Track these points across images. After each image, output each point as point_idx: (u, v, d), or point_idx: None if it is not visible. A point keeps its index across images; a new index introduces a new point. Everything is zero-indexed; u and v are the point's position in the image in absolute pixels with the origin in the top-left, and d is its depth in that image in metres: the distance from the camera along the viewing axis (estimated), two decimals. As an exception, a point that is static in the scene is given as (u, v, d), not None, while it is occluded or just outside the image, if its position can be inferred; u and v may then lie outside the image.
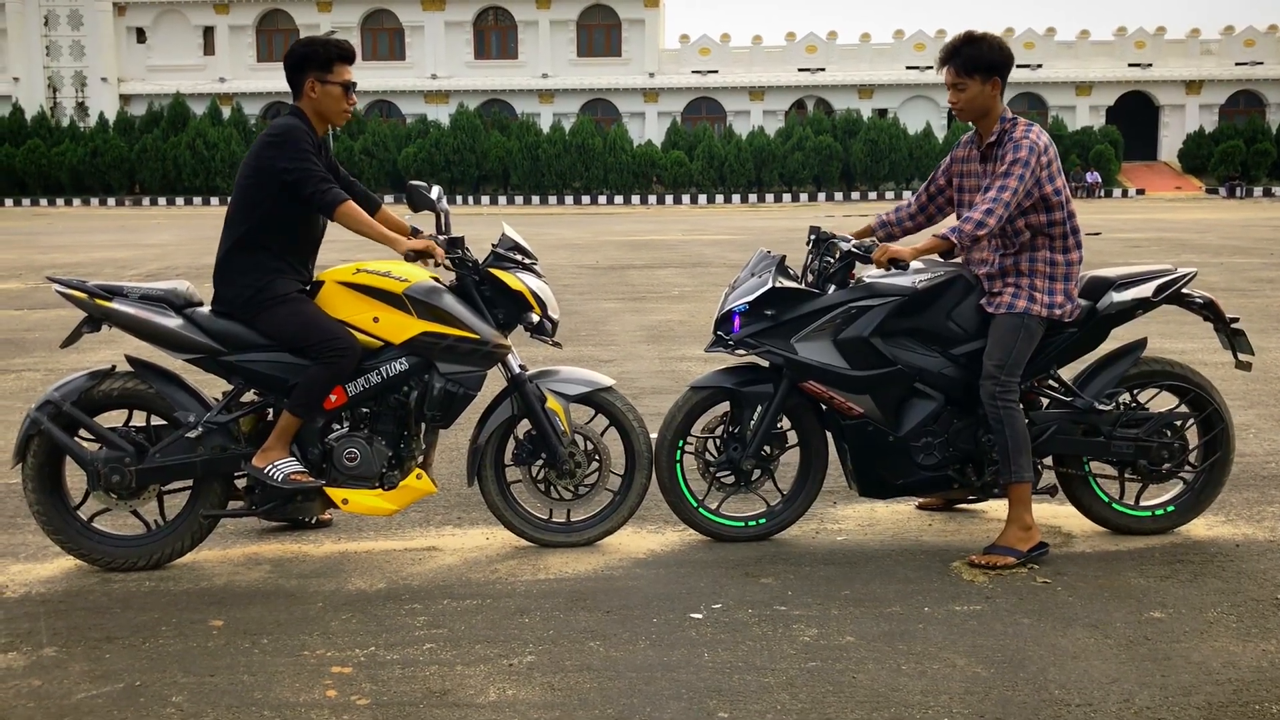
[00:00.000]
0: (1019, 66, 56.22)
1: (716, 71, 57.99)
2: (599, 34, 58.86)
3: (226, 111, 54.98)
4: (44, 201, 50.13)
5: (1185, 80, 56.74)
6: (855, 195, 50.82)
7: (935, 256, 4.37)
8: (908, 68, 57.48)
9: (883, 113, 56.05)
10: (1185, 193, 51.39)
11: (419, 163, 49.38)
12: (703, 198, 50.47)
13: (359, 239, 4.44)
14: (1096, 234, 24.18)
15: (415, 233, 4.54)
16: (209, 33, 58.85)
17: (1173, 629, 3.75)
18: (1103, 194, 50.04)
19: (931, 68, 56.35)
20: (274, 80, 58.18)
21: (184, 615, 3.94)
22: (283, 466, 4.22)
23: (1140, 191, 51.41)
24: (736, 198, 50.59)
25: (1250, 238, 22.97)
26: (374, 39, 58.62)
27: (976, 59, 4.36)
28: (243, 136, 52.05)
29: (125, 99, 57.97)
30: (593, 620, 3.85)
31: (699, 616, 3.88)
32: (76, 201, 50.31)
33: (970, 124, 4.50)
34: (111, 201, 50.30)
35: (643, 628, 3.78)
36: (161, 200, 50.26)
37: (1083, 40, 57.99)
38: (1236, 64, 56.85)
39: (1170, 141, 56.83)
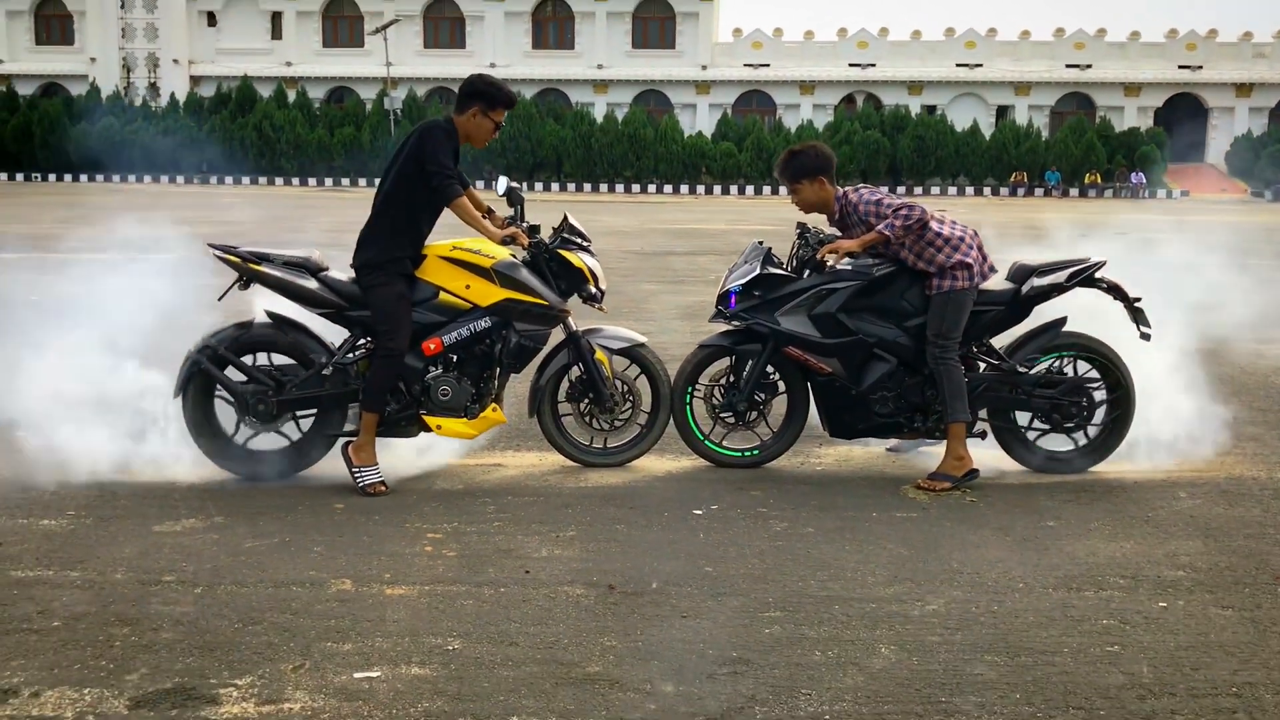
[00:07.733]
0: (1069, 66, 57.38)
1: (768, 65, 58.99)
2: (654, 26, 60.06)
3: (292, 95, 56.75)
4: (116, 178, 52.17)
5: (1236, 83, 56.97)
6: (901, 190, 51.56)
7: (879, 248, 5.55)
8: (958, 65, 58.13)
9: (931, 109, 56.77)
10: (1229, 195, 51.67)
11: (476, 149, 50.60)
12: (750, 189, 51.54)
13: (446, 222, 5.66)
14: (1121, 234, 24.90)
15: (489, 212, 5.79)
16: (276, 18, 60.79)
17: (1059, 532, 4.93)
18: (1147, 195, 50.49)
19: (982, 65, 57.07)
20: (338, 65, 60.02)
21: (313, 500, 5.24)
22: (367, 475, 5.31)
23: (1184, 193, 51.77)
24: (784, 190, 51.34)
25: (1271, 241, 23.58)
26: (435, 27, 60.24)
27: (799, 169, 5.64)
28: (307, 119, 53.76)
29: (195, 80, 60.07)
30: (619, 513, 5.11)
31: (699, 513, 5.13)
32: (147, 178, 52.30)
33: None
34: (180, 180, 52.20)
35: (656, 518, 5.04)
36: (228, 179, 52.10)
37: (1133, 41, 58.27)
38: (1289, 68, 56.94)
39: (1218, 144, 57.05)
